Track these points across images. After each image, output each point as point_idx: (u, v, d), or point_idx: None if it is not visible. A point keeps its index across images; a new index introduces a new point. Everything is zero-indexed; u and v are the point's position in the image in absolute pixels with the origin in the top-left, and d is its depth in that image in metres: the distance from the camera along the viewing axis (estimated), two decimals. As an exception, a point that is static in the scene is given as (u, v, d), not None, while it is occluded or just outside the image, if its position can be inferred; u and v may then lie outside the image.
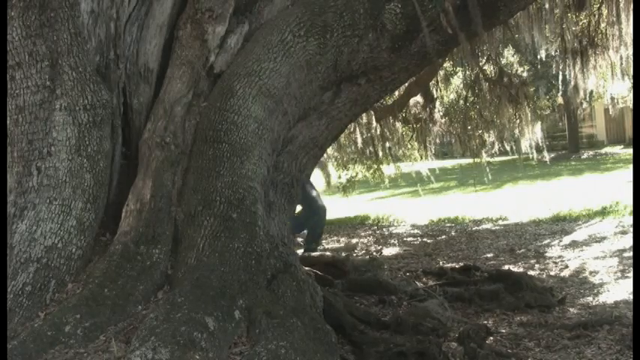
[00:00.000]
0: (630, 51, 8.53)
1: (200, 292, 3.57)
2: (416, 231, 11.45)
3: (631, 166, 14.85)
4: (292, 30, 4.65)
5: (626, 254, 7.77)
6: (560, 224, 10.63)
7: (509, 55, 14.37)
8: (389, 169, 13.98)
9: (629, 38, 8.27)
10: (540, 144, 11.48)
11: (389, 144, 12.21)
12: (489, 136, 12.17)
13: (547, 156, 12.79)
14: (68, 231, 3.91)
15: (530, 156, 12.01)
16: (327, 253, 9.17)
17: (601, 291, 6.33)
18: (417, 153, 13.10)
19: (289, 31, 4.64)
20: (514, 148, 12.39)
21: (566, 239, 9.34)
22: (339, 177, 14.27)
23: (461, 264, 7.55)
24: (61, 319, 3.47)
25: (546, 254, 8.39)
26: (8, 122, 4.03)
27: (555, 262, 7.85)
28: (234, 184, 4.20)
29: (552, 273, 7.34)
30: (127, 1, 4.51)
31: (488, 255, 8.61)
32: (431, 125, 11.45)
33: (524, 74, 14.90)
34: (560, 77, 10.52)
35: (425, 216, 12.62)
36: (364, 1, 4.82)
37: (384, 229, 12.05)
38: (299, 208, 8.24)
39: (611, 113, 19.81)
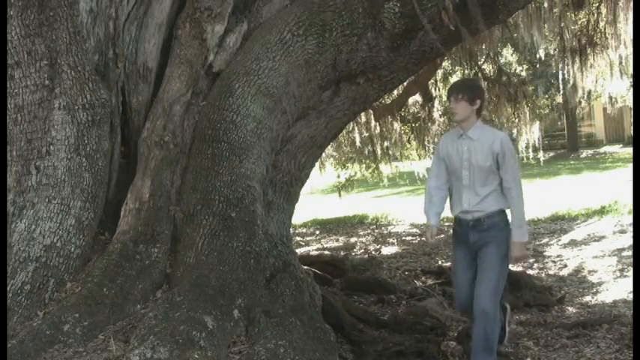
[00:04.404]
0: (629, 50, 8.53)
1: (199, 291, 3.57)
2: (415, 230, 11.45)
3: (630, 165, 14.86)
4: (291, 29, 4.65)
5: (624, 253, 7.77)
6: (559, 223, 10.63)
7: (508, 55, 14.36)
8: (388, 168, 13.97)
9: (628, 37, 8.27)
10: (537, 144, 11.48)
11: (387, 143, 12.20)
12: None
13: (542, 156, 12.77)
14: (67, 230, 3.91)
15: (525, 157, 12.01)
16: (326, 252, 9.20)
17: (600, 290, 6.34)
18: (416, 152, 13.08)
19: (288, 30, 4.64)
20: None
21: (565, 238, 9.35)
22: (338, 176, 14.26)
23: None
24: (60, 318, 3.48)
25: (545, 253, 8.39)
26: (7, 121, 4.03)
27: (554, 261, 7.86)
28: (233, 183, 4.20)
29: (551, 272, 7.35)
30: (125, 0, 4.50)
31: (487, 254, 8.59)
32: (430, 124, 11.43)
33: (523, 73, 14.88)
34: (560, 76, 10.51)
35: (424, 215, 12.60)
36: (363, 0, 4.82)
37: (382, 228, 12.06)
38: None
39: (609, 112, 19.78)
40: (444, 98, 12.40)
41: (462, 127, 4.18)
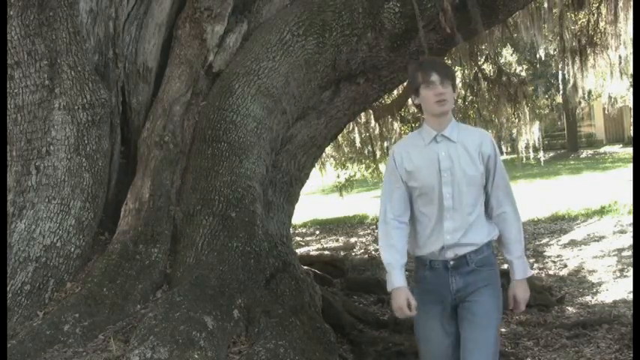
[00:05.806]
0: (629, 50, 8.53)
1: (199, 292, 3.57)
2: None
3: (630, 165, 14.86)
4: (291, 29, 4.65)
5: (624, 253, 7.77)
6: (559, 223, 10.63)
7: (507, 55, 14.35)
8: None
9: (627, 37, 8.27)
10: (537, 144, 11.48)
11: (387, 143, 12.21)
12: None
13: (542, 156, 12.77)
14: (67, 230, 3.91)
15: (525, 156, 12.02)
16: (326, 252, 9.20)
17: (600, 290, 6.34)
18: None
19: (288, 31, 4.64)
20: (512, 147, 12.35)
21: (565, 238, 9.35)
22: (338, 176, 14.26)
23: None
24: (59, 318, 3.48)
25: (545, 253, 8.40)
26: (7, 121, 4.03)
27: (554, 262, 7.86)
28: (233, 183, 4.21)
29: (551, 272, 7.35)
30: (125, 0, 4.50)
31: (487, 254, 8.59)
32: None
33: (523, 73, 14.88)
34: (560, 76, 10.52)
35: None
36: (363, 1, 4.82)
37: (382, 228, 12.02)
38: None
39: (609, 112, 19.77)
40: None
41: (436, 126, 2.91)
